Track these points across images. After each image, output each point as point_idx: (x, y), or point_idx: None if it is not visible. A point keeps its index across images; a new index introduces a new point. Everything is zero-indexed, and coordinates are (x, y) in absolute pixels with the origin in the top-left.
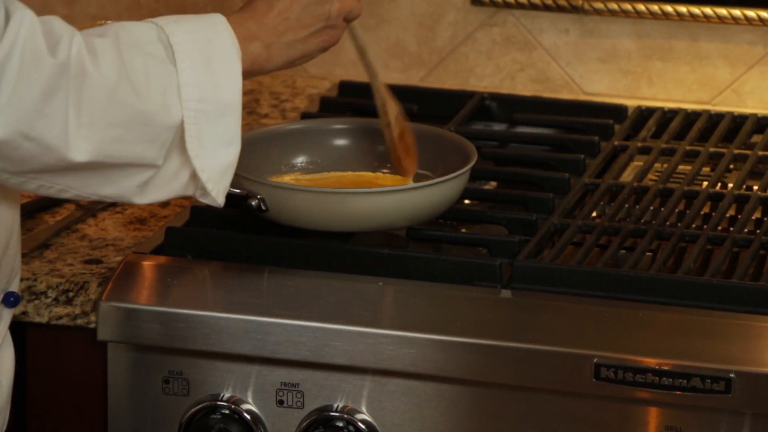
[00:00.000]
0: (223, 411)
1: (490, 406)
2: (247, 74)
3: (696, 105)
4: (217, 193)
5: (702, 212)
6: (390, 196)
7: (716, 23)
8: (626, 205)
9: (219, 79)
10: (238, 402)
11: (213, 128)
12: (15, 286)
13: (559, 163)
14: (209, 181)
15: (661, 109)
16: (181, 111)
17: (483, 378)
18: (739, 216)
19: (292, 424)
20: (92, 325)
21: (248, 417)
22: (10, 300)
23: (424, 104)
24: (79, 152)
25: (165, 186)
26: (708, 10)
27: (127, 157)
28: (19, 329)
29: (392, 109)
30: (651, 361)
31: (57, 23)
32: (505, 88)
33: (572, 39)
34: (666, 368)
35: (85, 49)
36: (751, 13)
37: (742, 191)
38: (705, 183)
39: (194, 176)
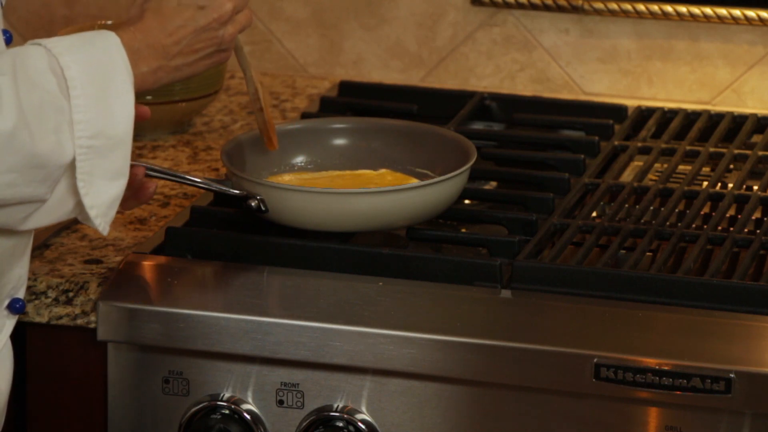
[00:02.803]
0: (223, 411)
1: (490, 406)
2: None
3: (696, 105)
4: (104, 227)
5: (702, 212)
6: (390, 196)
7: (716, 23)
8: (626, 205)
9: (113, 113)
10: (238, 402)
11: (103, 163)
12: (21, 293)
13: (559, 163)
14: (97, 216)
15: (661, 109)
16: (73, 149)
17: (483, 378)
18: (739, 216)
19: (292, 424)
20: (92, 325)
21: (248, 417)
22: (16, 306)
23: (424, 104)
24: None
25: (49, 214)
26: (708, 10)
27: (19, 198)
28: (19, 329)
29: (263, 94)
30: (651, 361)
31: None
32: (505, 88)
33: (572, 39)
34: (666, 368)
35: None
36: (751, 13)
37: (742, 191)
38: (705, 183)
39: (79, 204)
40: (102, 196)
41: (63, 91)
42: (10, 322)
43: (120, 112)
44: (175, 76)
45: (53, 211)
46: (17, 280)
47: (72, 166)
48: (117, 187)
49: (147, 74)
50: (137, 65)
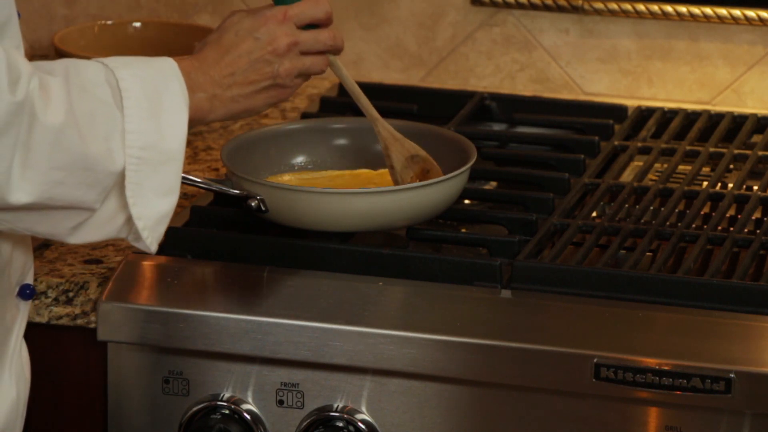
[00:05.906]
0: (223, 411)
1: (490, 406)
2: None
3: (696, 105)
4: (151, 242)
5: (702, 212)
6: (390, 196)
7: (716, 23)
8: (626, 205)
9: (165, 128)
10: (238, 402)
11: (154, 176)
12: (30, 279)
13: (559, 163)
14: (145, 229)
15: (661, 109)
16: (123, 157)
17: (483, 378)
18: (739, 216)
19: (292, 424)
20: (92, 325)
21: (248, 417)
22: (26, 292)
23: (424, 104)
24: (21, 194)
25: (98, 229)
26: (708, 10)
27: (67, 200)
28: None
29: (396, 153)
30: (651, 361)
31: (20, 59)
32: (505, 88)
33: (572, 39)
34: (666, 368)
35: (39, 89)
36: (751, 13)
37: (742, 191)
38: (705, 183)
39: (129, 221)
40: (151, 210)
41: (117, 102)
42: (24, 308)
43: (172, 128)
44: (232, 108)
45: (103, 226)
46: (23, 266)
47: (123, 180)
48: (167, 204)
49: (202, 101)
50: (193, 90)
